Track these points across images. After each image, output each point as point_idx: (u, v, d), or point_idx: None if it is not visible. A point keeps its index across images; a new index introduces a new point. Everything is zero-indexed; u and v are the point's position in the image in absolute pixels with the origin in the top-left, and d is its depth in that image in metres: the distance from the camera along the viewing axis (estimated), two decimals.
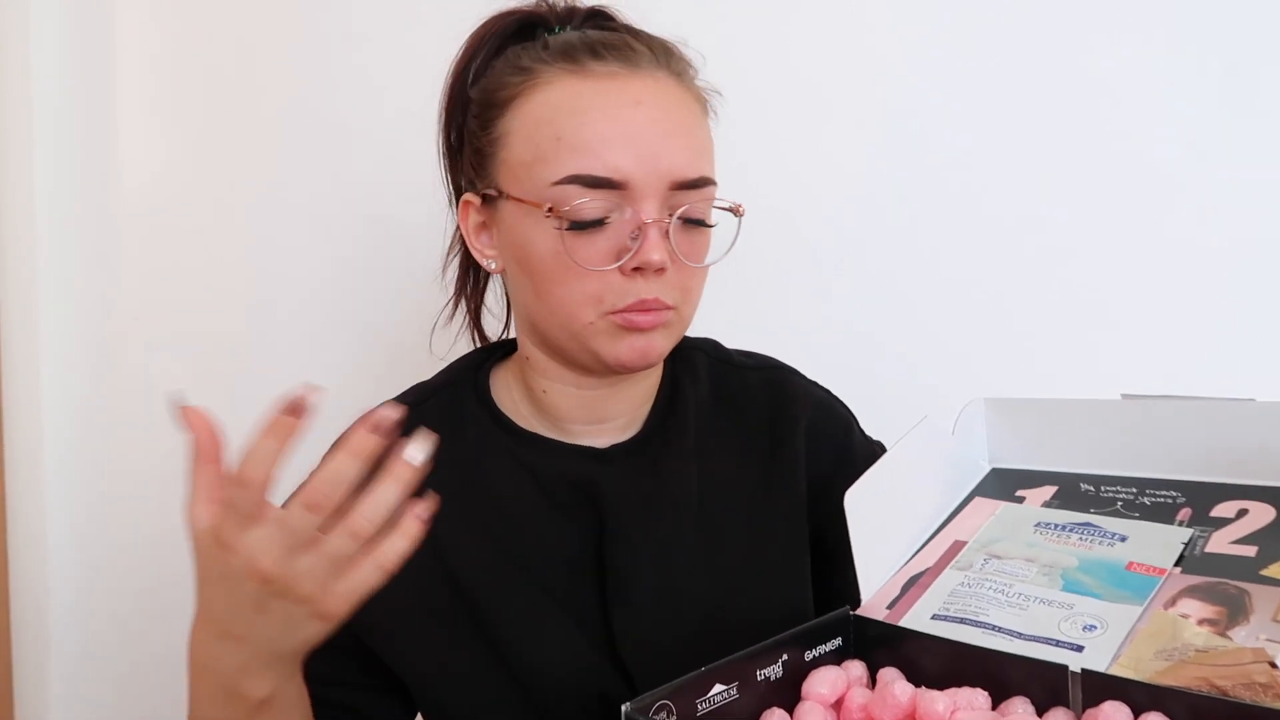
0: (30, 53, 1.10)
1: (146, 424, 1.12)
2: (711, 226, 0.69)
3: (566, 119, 0.65)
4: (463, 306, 0.82)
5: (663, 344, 0.69)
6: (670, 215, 0.66)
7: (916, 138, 1.13)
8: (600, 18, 0.74)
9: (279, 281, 1.13)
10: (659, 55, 0.69)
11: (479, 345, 0.83)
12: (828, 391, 0.84)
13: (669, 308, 0.67)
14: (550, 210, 0.65)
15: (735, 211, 0.70)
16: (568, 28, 0.72)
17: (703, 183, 0.67)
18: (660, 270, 0.65)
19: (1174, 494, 0.59)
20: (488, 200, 0.70)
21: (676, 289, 0.67)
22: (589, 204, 0.64)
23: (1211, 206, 1.12)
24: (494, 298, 0.82)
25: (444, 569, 0.70)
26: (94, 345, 1.13)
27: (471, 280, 0.81)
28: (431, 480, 0.68)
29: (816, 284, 1.14)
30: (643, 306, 0.66)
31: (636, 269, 0.65)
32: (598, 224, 0.65)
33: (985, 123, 1.13)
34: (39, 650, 1.12)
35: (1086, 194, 1.13)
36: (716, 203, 0.69)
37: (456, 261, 0.81)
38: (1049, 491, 0.64)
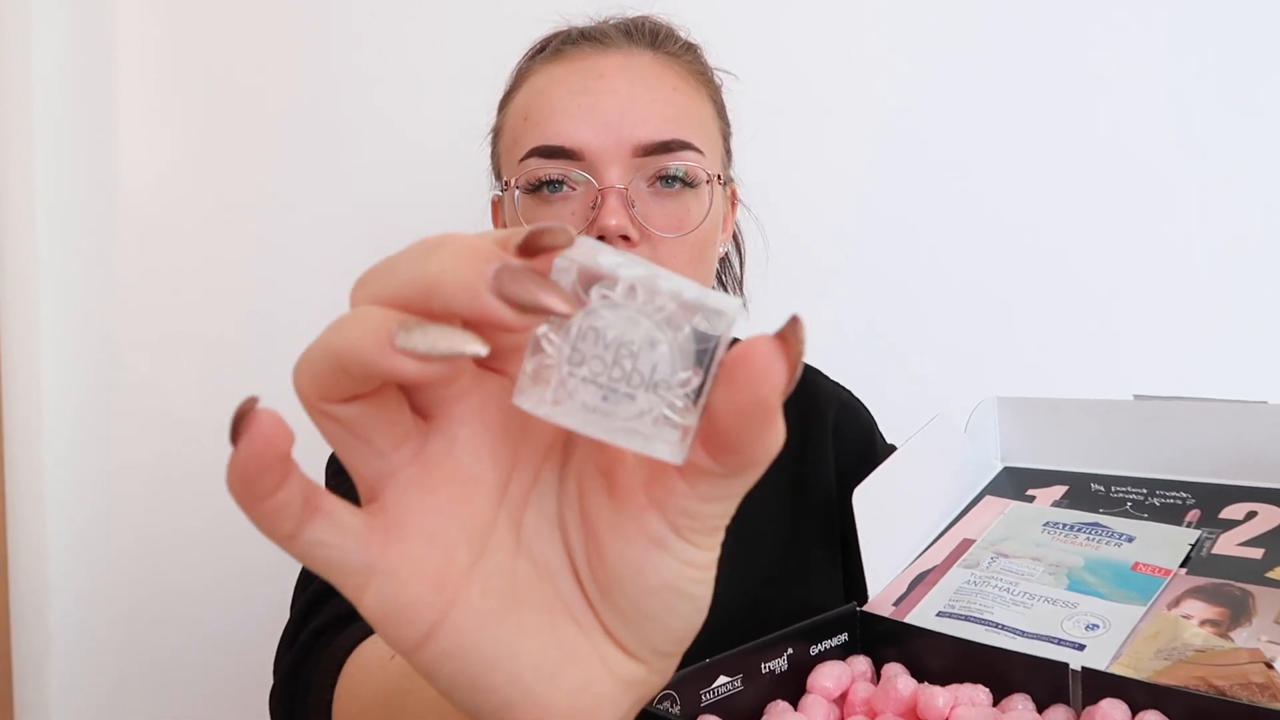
0: (31, 53, 1.11)
1: (146, 425, 1.13)
2: (692, 186, 0.66)
3: (533, 99, 0.68)
4: None
5: None
6: (645, 185, 0.65)
7: (917, 139, 1.12)
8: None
9: (280, 284, 1.14)
10: (637, 33, 0.69)
11: None
12: (850, 393, 0.84)
13: None
14: (516, 186, 0.66)
15: (711, 180, 0.67)
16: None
17: (675, 145, 0.65)
18: (626, 239, 0.64)
19: (1184, 495, 0.59)
20: (500, 197, 0.73)
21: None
22: (544, 169, 0.65)
23: (1217, 205, 1.11)
24: None
25: None
26: (94, 346, 1.13)
27: None
28: None
29: (818, 286, 1.13)
30: None
31: (600, 238, 0.63)
32: (557, 190, 0.65)
33: (986, 123, 1.12)
34: (39, 651, 1.13)
35: (1089, 193, 1.12)
36: (693, 165, 0.66)
37: None
38: (1059, 491, 0.64)
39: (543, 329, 0.24)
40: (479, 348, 0.24)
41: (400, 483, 0.26)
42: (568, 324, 0.24)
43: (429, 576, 0.25)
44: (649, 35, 0.70)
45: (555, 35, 0.73)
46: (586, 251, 0.24)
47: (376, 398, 0.25)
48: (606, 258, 0.24)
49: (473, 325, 0.24)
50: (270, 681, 0.62)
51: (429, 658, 0.25)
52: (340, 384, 0.24)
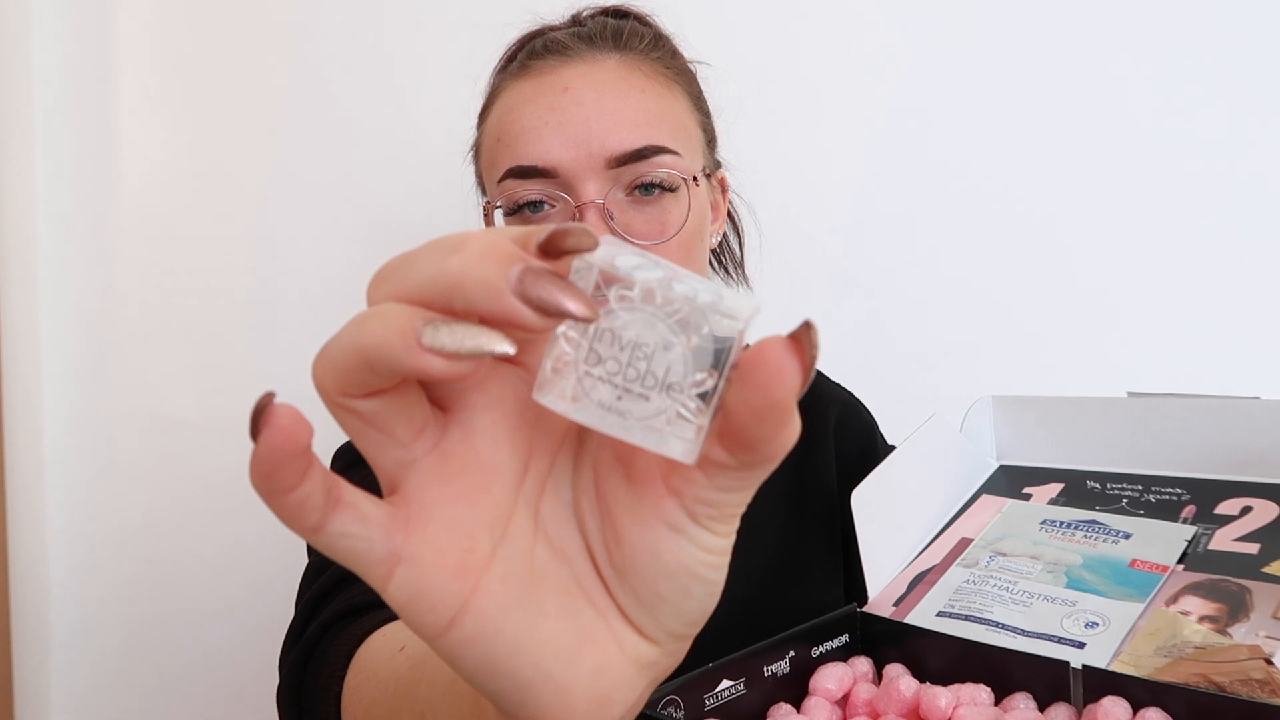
0: (31, 53, 1.11)
1: (146, 424, 1.14)
2: (671, 190, 0.66)
3: (503, 119, 0.68)
4: None
5: None
6: (623, 194, 0.65)
7: (918, 137, 1.13)
8: (577, 23, 0.74)
9: (280, 282, 1.14)
10: (600, 37, 0.69)
11: None
12: (851, 393, 0.85)
13: None
14: (497, 206, 0.67)
15: (687, 180, 0.66)
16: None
17: (649, 151, 0.65)
18: None
19: (1179, 491, 0.60)
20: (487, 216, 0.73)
21: None
22: (522, 190, 0.65)
23: (1214, 204, 1.11)
24: None
25: None
26: (94, 345, 1.14)
27: None
28: None
29: (814, 285, 1.14)
30: None
31: None
32: (537, 209, 0.65)
33: (988, 121, 1.12)
34: (39, 646, 1.13)
35: (1086, 191, 1.12)
36: (669, 171, 0.65)
37: None
38: (1055, 489, 0.65)
39: (562, 327, 0.25)
40: (507, 347, 0.24)
41: (420, 473, 0.26)
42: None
43: (451, 564, 0.25)
44: (612, 37, 0.69)
45: (521, 46, 0.72)
46: (606, 253, 0.24)
47: (396, 392, 0.25)
48: (625, 260, 0.24)
49: (493, 324, 0.24)
50: (273, 676, 0.62)
51: (452, 643, 0.26)
52: (363, 380, 0.24)
